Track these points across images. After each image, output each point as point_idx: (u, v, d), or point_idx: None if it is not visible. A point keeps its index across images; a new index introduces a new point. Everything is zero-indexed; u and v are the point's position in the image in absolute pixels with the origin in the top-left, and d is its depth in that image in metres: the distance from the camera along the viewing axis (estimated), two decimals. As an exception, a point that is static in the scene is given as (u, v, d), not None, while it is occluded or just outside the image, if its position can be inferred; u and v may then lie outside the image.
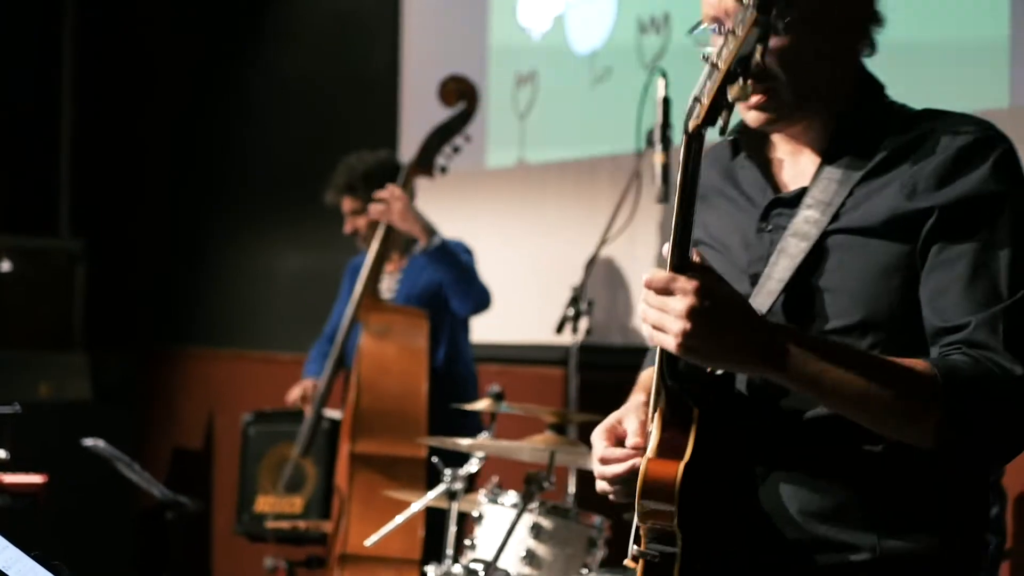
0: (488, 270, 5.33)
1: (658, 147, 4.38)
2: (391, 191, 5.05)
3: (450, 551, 4.00)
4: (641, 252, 5.31)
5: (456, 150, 5.27)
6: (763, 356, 1.95)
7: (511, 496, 3.80)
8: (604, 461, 2.17)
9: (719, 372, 2.07)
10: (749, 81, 1.88)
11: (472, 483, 4.22)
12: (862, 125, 2.14)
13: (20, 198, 8.84)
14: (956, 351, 1.99)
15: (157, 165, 8.64)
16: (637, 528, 2.07)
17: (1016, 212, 2.03)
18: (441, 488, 3.93)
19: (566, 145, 5.77)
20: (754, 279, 2.14)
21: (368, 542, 4.03)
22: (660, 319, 1.92)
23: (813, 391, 1.98)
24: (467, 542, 3.84)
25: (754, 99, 2.11)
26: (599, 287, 5.31)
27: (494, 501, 3.83)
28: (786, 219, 2.14)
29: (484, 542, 3.79)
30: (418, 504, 3.98)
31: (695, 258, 1.96)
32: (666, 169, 4.36)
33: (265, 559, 5.92)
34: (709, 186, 2.26)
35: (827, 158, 2.14)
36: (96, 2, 9.00)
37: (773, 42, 2.01)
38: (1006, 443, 2.01)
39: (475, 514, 3.87)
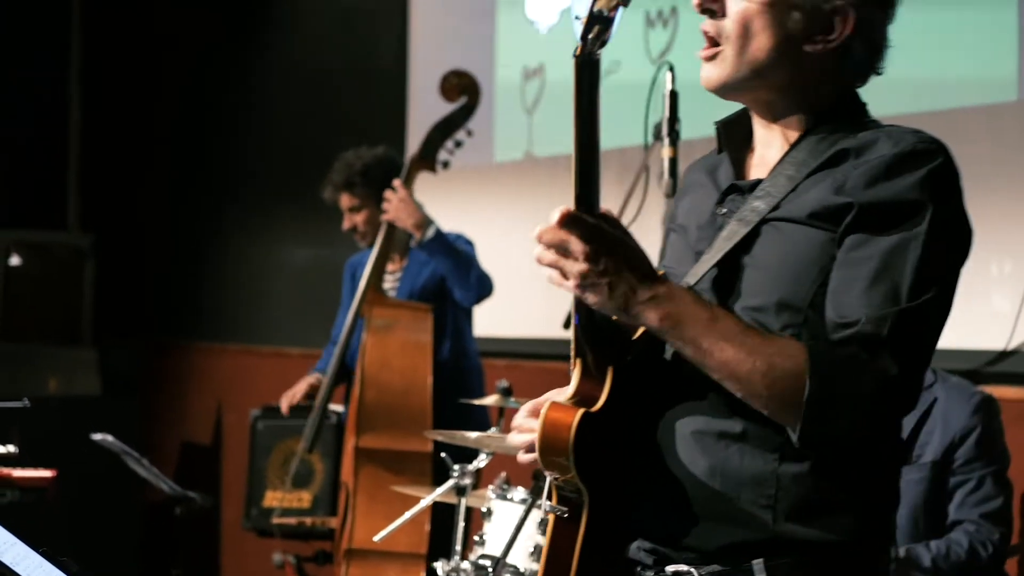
0: (496, 264, 5.33)
1: (666, 141, 4.37)
2: (397, 188, 5.07)
3: (458, 547, 4.00)
4: (649, 246, 5.29)
5: (458, 144, 5.27)
6: (654, 304, 2.00)
7: (520, 492, 3.80)
8: (518, 429, 2.24)
9: (641, 332, 2.13)
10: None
11: (480, 479, 4.21)
12: (829, 130, 2.19)
13: (29, 193, 8.85)
14: (839, 340, 2.03)
15: (165, 160, 8.65)
16: (550, 485, 2.14)
17: (934, 224, 2.05)
18: (449, 484, 3.92)
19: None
20: (698, 256, 2.21)
21: (377, 537, 4.03)
22: (557, 259, 1.99)
23: (692, 350, 2.02)
24: (476, 538, 3.83)
25: (703, 52, 2.21)
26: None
27: (503, 497, 3.82)
28: (737, 205, 2.21)
29: (493, 538, 3.78)
30: (427, 499, 3.98)
31: (602, 210, 2.04)
32: (674, 163, 4.35)
33: (273, 554, 5.93)
34: (693, 181, 2.37)
35: (788, 154, 2.20)
36: (103, -3, 9.02)
37: (738, 4, 2.15)
38: (855, 435, 2.03)
39: (484, 510, 3.86)
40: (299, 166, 7.36)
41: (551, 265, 2.00)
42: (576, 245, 1.97)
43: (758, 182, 2.20)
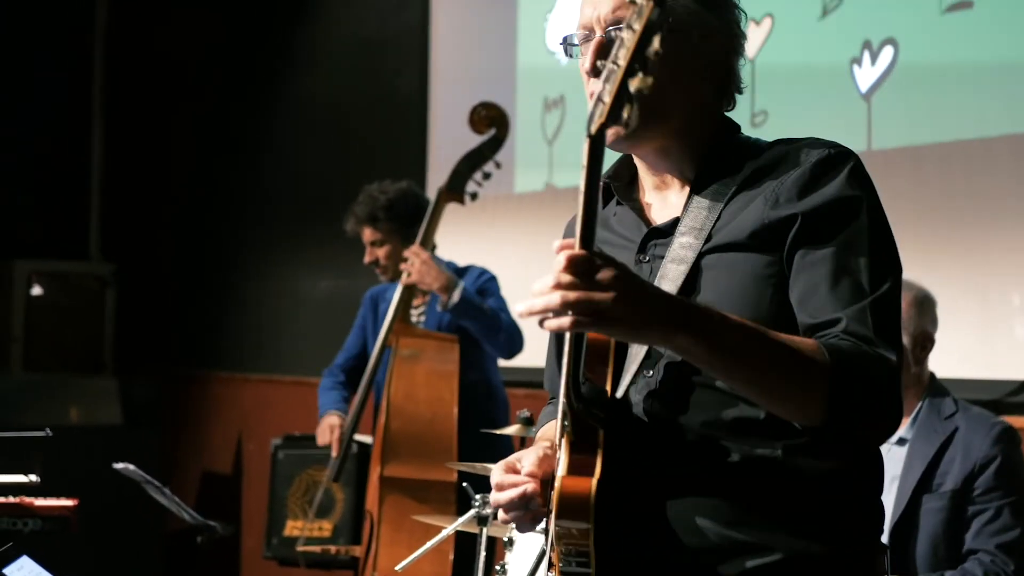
0: (516, 295, 5.33)
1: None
2: (413, 252, 5.09)
3: (480, 576, 3.99)
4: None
5: (487, 176, 5.29)
6: (681, 321, 1.98)
7: (541, 521, 3.79)
8: (499, 487, 2.24)
9: (618, 393, 2.14)
10: (650, 75, 1.90)
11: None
12: (724, 156, 2.25)
13: (51, 223, 8.89)
14: (835, 338, 2.08)
15: (186, 190, 8.68)
16: (551, 554, 2.14)
17: (871, 214, 2.15)
18: (471, 513, 3.93)
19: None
20: None
21: (399, 567, 4.03)
22: (583, 294, 1.91)
23: (717, 359, 2.02)
24: (497, 567, 3.83)
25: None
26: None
27: (524, 526, 3.81)
28: (663, 248, 2.22)
29: (514, 568, 3.78)
30: (449, 529, 3.98)
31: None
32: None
33: (294, 583, 5.93)
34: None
35: (695, 188, 2.24)
36: (125, 29, 9.07)
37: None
38: (883, 422, 2.12)
39: (505, 539, 3.86)
40: (320, 196, 7.39)
41: (580, 301, 1.91)
42: (601, 274, 1.92)
43: (675, 221, 2.23)
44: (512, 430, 3.97)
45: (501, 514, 2.24)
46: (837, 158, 2.17)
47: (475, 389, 5.17)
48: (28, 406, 7.72)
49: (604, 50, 2.28)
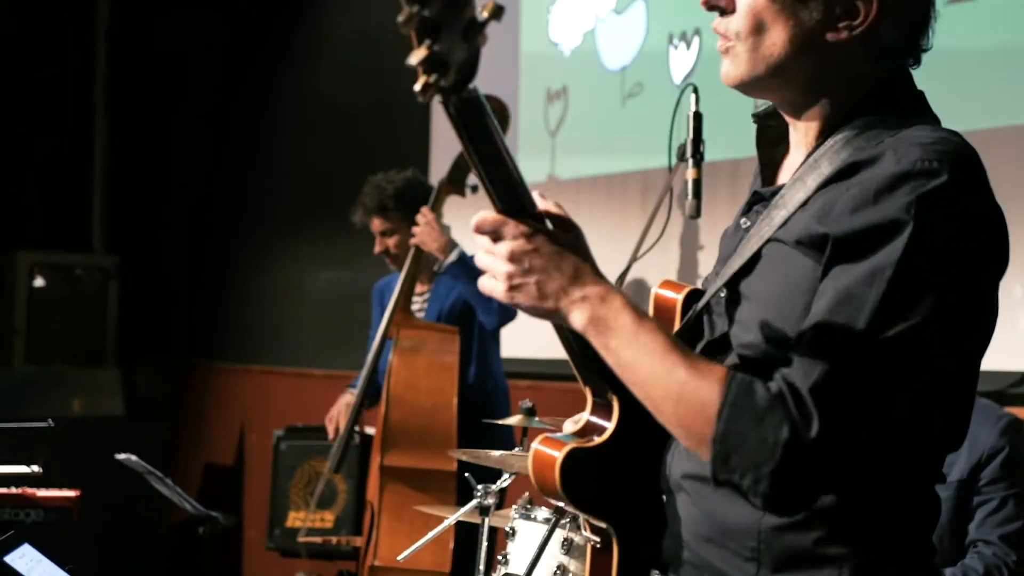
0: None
1: (690, 162, 4.37)
2: (423, 214, 5.12)
3: (482, 567, 4.00)
4: (672, 268, 5.30)
5: (488, 170, 5.28)
6: (582, 305, 1.87)
7: (543, 512, 3.80)
8: None
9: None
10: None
11: (504, 498, 4.21)
12: (855, 132, 1.97)
13: (53, 215, 8.89)
14: (772, 380, 1.82)
15: (189, 182, 8.68)
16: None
17: (913, 249, 1.80)
18: (473, 503, 3.93)
19: (597, 161, 5.77)
20: (718, 270, 2.11)
21: (401, 557, 4.04)
22: (489, 263, 1.88)
23: (613, 361, 1.88)
24: (499, 557, 3.83)
25: (720, 44, 2.05)
26: (630, 302, 5.30)
27: (526, 516, 3.82)
28: (756, 216, 2.05)
29: (516, 557, 3.78)
30: (451, 519, 3.98)
31: (542, 204, 1.95)
32: (698, 184, 4.35)
33: (297, 574, 5.93)
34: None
35: (807, 159, 2.00)
36: (128, 23, 9.06)
37: None
38: (765, 488, 1.80)
39: (507, 529, 3.86)
40: (322, 190, 7.39)
41: (483, 269, 1.89)
42: (500, 246, 1.87)
43: (779, 189, 2.02)
44: (514, 421, 3.96)
45: None
46: (916, 176, 1.82)
47: (475, 380, 5.18)
48: (31, 398, 7.73)
49: None
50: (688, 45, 5.36)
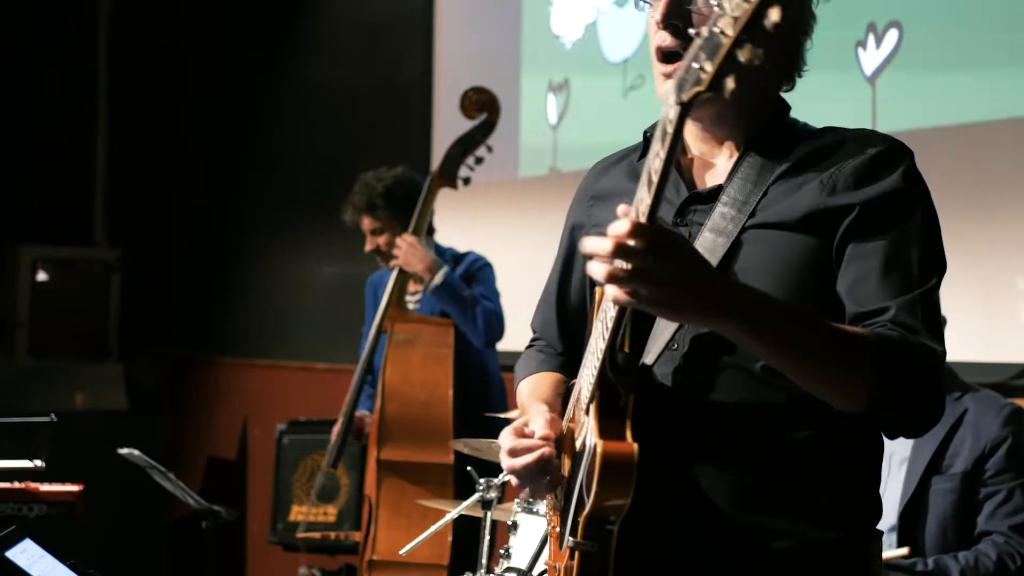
0: (520, 279, 5.32)
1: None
2: (401, 237, 5.12)
3: (484, 560, 4.00)
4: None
5: (479, 161, 5.29)
6: (726, 302, 1.94)
7: (545, 505, 3.80)
8: (513, 453, 2.20)
9: (648, 359, 2.11)
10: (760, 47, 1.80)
11: (506, 492, 4.21)
12: (775, 134, 2.22)
13: (56, 209, 8.89)
14: (881, 327, 2.06)
15: (191, 175, 8.68)
16: (575, 520, 2.08)
17: (925, 212, 2.15)
18: (475, 497, 3.93)
19: (599, 154, 5.74)
20: None
21: (403, 551, 4.04)
22: (635, 271, 1.86)
23: (764, 345, 2.00)
24: (501, 551, 3.83)
25: (670, 68, 2.19)
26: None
27: (528, 510, 3.82)
28: (702, 215, 2.18)
29: (519, 551, 3.78)
30: (453, 513, 3.98)
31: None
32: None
33: (299, 568, 5.94)
34: (610, 188, 2.37)
35: (742, 160, 2.20)
36: (130, 15, 9.06)
37: (704, 8, 2.11)
38: (925, 412, 2.09)
39: (509, 523, 3.86)
40: (325, 182, 7.38)
41: (628, 279, 1.85)
42: (655, 256, 1.85)
43: (718, 189, 2.19)
44: (513, 414, 3.96)
45: (514, 480, 2.20)
46: (897, 153, 2.17)
47: (471, 373, 5.18)
48: (33, 392, 7.73)
49: (677, 3, 2.19)
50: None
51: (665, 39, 2.20)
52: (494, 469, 4.01)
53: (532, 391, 2.43)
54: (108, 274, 8.50)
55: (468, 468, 4.09)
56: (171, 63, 8.75)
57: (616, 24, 5.75)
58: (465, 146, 5.28)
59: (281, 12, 7.92)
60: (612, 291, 1.89)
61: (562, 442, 2.25)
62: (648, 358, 2.14)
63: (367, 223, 5.42)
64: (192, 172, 8.68)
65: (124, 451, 4.81)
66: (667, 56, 2.20)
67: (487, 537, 3.97)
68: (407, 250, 5.13)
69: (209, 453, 8.17)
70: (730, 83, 1.80)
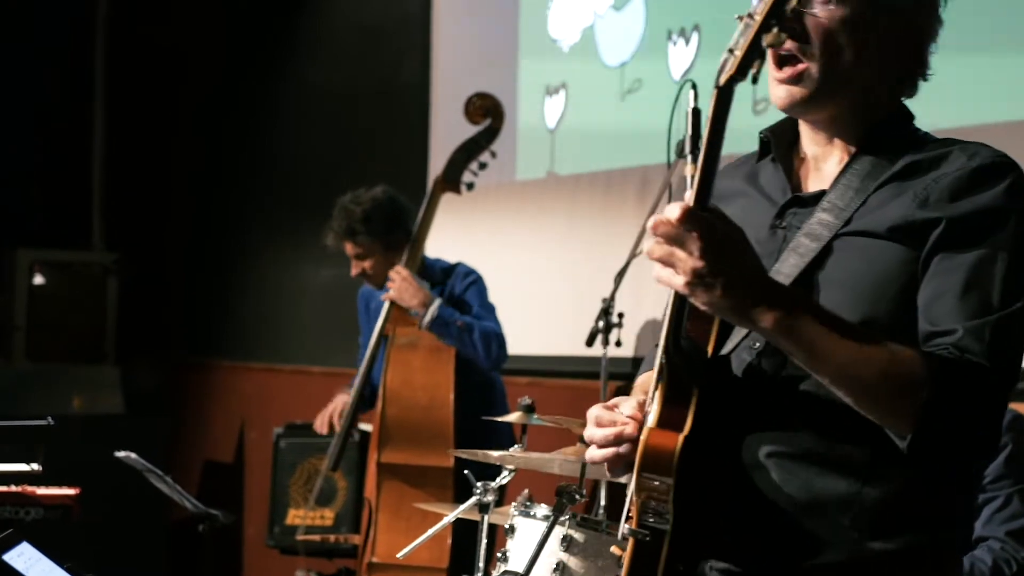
0: (519, 282, 5.33)
1: (688, 158, 4.36)
2: (395, 271, 5.11)
3: (481, 564, 3.99)
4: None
5: (483, 166, 5.29)
6: (769, 305, 1.95)
7: (542, 509, 3.80)
8: (597, 422, 2.19)
9: (720, 351, 2.10)
10: (783, 30, 1.89)
11: (504, 496, 4.21)
12: (888, 141, 2.20)
13: (53, 212, 8.89)
14: (943, 350, 2.03)
15: (188, 179, 8.68)
16: (629, 507, 2.09)
17: (1018, 230, 2.08)
18: (472, 501, 3.93)
19: (596, 157, 5.77)
20: None
21: (401, 554, 4.04)
22: (670, 253, 1.92)
23: (807, 352, 1.99)
24: (499, 554, 3.83)
25: (786, 72, 2.17)
26: (629, 299, 5.30)
27: (526, 514, 3.82)
28: (801, 219, 2.19)
29: (516, 554, 3.78)
30: (450, 516, 3.98)
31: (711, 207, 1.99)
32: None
33: (296, 572, 5.93)
34: (731, 188, 2.32)
35: (849, 166, 2.20)
36: (127, 17, 9.06)
37: (821, 12, 2.13)
38: (974, 443, 2.06)
39: (507, 526, 3.86)
40: (322, 185, 7.37)
41: (663, 260, 1.93)
42: (693, 241, 1.90)
43: (821, 194, 2.19)
44: (513, 418, 3.96)
45: (592, 450, 2.19)
46: (1001, 168, 2.11)
47: (472, 376, 5.17)
48: (30, 395, 7.73)
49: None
50: (687, 41, 5.36)
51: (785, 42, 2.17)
52: (492, 473, 4.01)
53: (640, 383, 2.41)
54: (105, 277, 8.50)
55: (465, 471, 4.09)
56: (169, 66, 8.75)
57: (613, 28, 5.75)
58: (469, 151, 5.29)
59: (279, 15, 7.92)
60: (657, 271, 1.93)
61: None
62: (726, 349, 2.13)
63: (349, 248, 5.41)
64: (189, 175, 8.68)
65: (121, 454, 4.81)
66: (782, 60, 2.18)
67: (484, 540, 3.97)
68: (400, 285, 5.11)
69: (206, 456, 8.17)
70: (755, 69, 1.87)
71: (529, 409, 3.97)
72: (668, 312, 2.02)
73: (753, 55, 1.89)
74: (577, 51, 5.93)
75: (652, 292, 5.40)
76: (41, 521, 4.33)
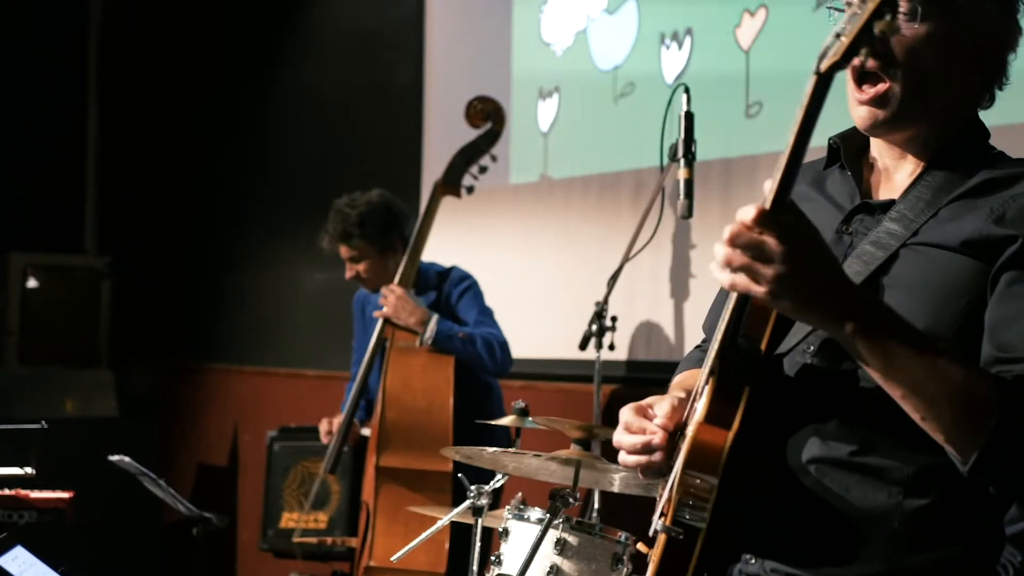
0: (512, 286, 5.33)
1: (681, 162, 4.38)
2: (388, 289, 5.11)
3: (475, 567, 4.00)
4: (664, 267, 5.30)
5: (483, 170, 5.31)
6: (848, 312, 1.92)
7: (536, 512, 3.80)
8: (627, 428, 2.17)
9: (773, 352, 2.07)
10: (897, 18, 1.84)
11: (499, 499, 4.22)
12: (962, 155, 2.17)
13: (46, 216, 8.88)
14: (1015, 376, 1.98)
15: (182, 182, 8.67)
16: (664, 504, 2.07)
17: None
18: (466, 504, 3.93)
19: (589, 161, 5.77)
20: None
21: (395, 558, 4.04)
22: (750, 261, 1.86)
23: (884, 363, 1.94)
24: (492, 558, 3.84)
25: (867, 92, 2.14)
26: (623, 302, 5.31)
27: (520, 517, 3.83)
28: (867, 226, 2.17)
29: (510, 558, 3.79)
30: (444, 520, 3.99)
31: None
32: (689, 184, 4.35)
33: (290, 575, 5.93)
34: (796, 192, 2.22)
35: (921, 178, 2.17)
36: (121, 21, 9.06)
37: (905, 29, 2.09)
38: None
39: (501, 529, 3.87)
40: (316, 188, 7.38)
41: (743, 268, 1.87)
42: (773, 246, 1.85)
43: (890, 203, 2.17)
44: (507, 421, 3.97)
45: (622, 455, 2.17)
46: None
47: (472, 380, 5.18)
48: (24, 399, 7.72)
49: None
50: (680, 45, 5.37)
51: (868, 62, 2.13)
52: (488, 477, 4.01)
53: (679, 381, 2.39)
54: (98, 281, 8.49)
55: (459, 475, 4.09)
56: (162, 69, 8.75)
57: (606, 32, 5.75)
58: (470, 155, 5.30)
59: (274, 19, 7.92)
60: (726, 276, 1.89)
61: (684, 427, 2.18)
62: (781, 350, 2.12)
63: (344, 251, 5.42)
64: (182, 179, 8.67)
65: (114, 458, 4.81)
66: (863, 77, 2.16)
67: (478, 544, 3.97)
68: (395, 303, 5.10)
69: (200, 460, 8.16)
70: (861, 57, 1.81)
71: (523, 412, 3.98)
72: (729, 308, 1.99)
73: (861, 42, 1.80)
74: (570, 54, 5.94)
75: (645, 296, 5.40)
76: (35, 525, 4.33)
